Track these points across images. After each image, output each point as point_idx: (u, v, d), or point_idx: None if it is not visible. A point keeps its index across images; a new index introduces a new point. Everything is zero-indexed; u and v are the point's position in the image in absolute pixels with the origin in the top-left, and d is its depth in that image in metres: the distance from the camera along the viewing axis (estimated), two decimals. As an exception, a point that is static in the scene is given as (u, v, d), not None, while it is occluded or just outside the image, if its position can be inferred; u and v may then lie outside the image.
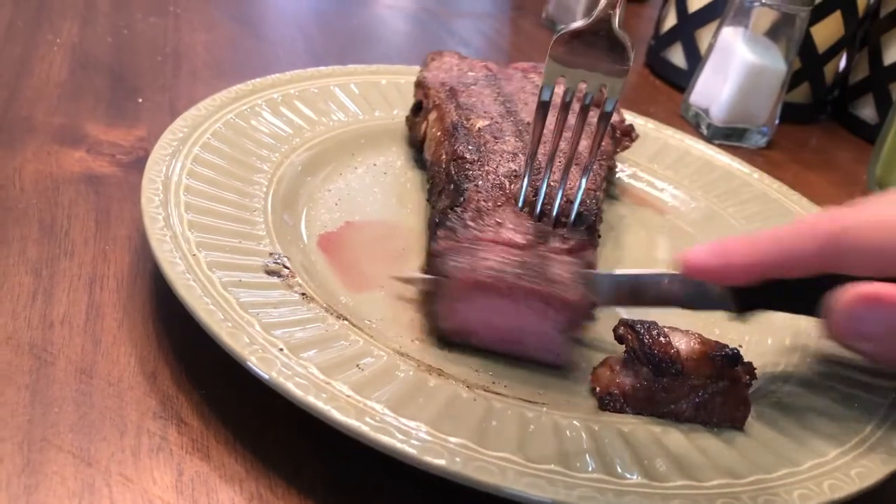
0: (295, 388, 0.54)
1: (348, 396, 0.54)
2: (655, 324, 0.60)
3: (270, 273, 0.72)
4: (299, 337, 0.64)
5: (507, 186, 0.69)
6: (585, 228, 0.64)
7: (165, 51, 1.10)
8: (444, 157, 0.78)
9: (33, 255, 0.69)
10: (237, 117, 0.84)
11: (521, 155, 0.73)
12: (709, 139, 1.14)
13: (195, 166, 0.74)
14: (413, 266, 0.73)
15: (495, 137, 0.77)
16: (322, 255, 0.75)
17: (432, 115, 0.86)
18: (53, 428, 0.54)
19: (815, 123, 1.34)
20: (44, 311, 0.64)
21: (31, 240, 0.71)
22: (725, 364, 0.58)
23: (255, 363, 0.56)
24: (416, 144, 0.90)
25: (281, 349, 0.62)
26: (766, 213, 0.91)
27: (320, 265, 0.73)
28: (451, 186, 0.71)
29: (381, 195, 0.86)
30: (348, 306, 0.69)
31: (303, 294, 0.71)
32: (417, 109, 0.96)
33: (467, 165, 0.73)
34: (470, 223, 0.64)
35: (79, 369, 0.60)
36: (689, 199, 0.94)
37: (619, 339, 0.62)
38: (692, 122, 1.21)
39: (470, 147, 0.75)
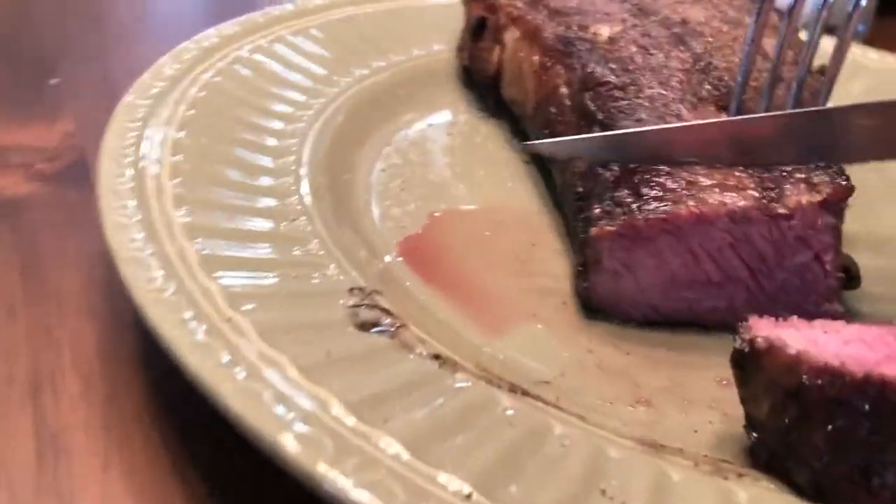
0: None
1: None
2: None
3: (365, 327, 0.40)
4: (488, 462, 0.35)
5: (688, 116, 0.52)
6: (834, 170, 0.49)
7: (79, 9, 0.84)
8: (559, 89, 0.58)
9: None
10: (222, 77, 0.60)
11: (697, 71, 0.56)
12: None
13: (180, 161, 0.50)
14: (559, 264, 0.54)
15: (642, 48, 0.58)
16: (415, 273, 0.51)
17: (510, 35, 0.65)
18: None
19: None
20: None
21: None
22: None
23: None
24: (486, 83, 0.68)
25: (469, 497, 0.31)
26: None
27: (417, 289, 0.50)
28: (595, 130, 0.53)
29: (460, 168, 0.62)
30: (512, 366, 0.45)
31: (436, 357, 0.40)
32: (479, 31, 0.66)
33: (616, 93, 0.54)
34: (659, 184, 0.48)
35: None
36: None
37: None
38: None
39: (610, 67, 0.56)
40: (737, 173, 0.48)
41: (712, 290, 0.49)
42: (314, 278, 0.44)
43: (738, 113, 0.54)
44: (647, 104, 0.52)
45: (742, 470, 0.38)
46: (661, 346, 0.48)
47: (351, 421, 0.34)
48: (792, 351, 0.36)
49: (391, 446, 0.34)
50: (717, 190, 0.47)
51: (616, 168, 0.49)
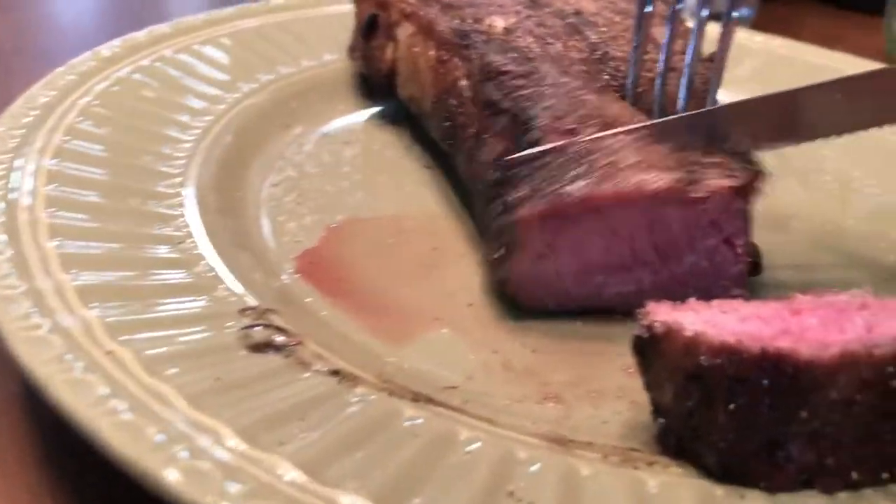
0: None
1: None
2: None
3: (259, 348, 0.38)
4: (390, 477, 0.33)
5: (596, 101, 0.52)
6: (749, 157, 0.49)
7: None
8: (459, 81, 0.57)
9: None
10: (101, 102, 0.57)
11: (595, 61, 0.57)
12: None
13: (54, 190, 0.48)
14: (464, 267, 0.53)
15: (539, 38, 0.57)
16: (314, 288, 0.49)
17: (403, 31, 0.64)
18: None
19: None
20: None
21: None
22: None
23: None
24: (381, 83, 0.66)
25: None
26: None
27: (317, 305, 0.48)
28: (502, 120, 0.52)
29: (359, 176, 0.61)
30: (417, 374, 0.44)
31: (335, 373, 0.38)
32: (370, 30, 0.65)
33: (520, 81, 0.53)
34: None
35: None
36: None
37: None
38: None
39: (510, 56, 0.55)
40: (660, 151, 0.48)
41: (623, 275, 0.49)
42: (202, 302, 0.42)
43: (634, 102, 0.55)
44: (551, 91, 0.52)
45: (652, 458, 0.38)
46: (568, 340, 0.47)
47: (242, 447, 0.33)
48: (689, 333, 0.36)
49: (287, 470, 0.32)
50: (639, 168, 0.47)
51: (535, 151, 0.48)
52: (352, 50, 0.68)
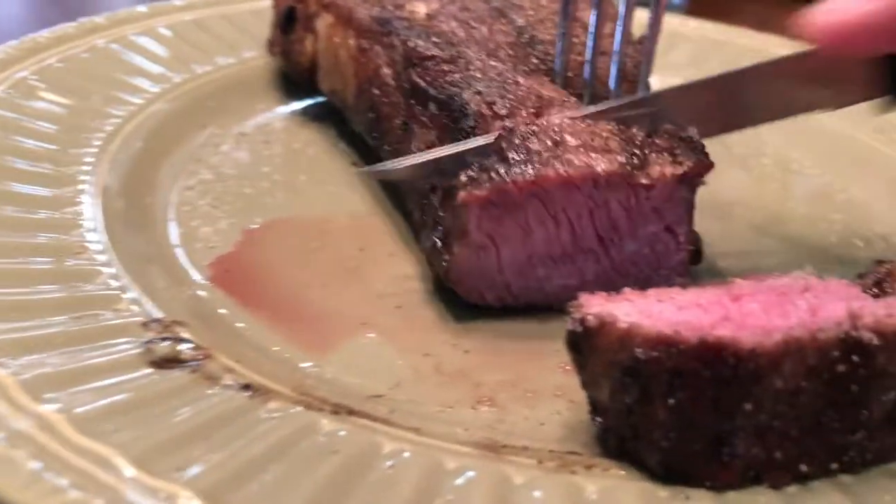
0: None
1: None
2: None
3: (162, 364, 0.35)
4: (305, 500, 0.29)
5: (527, 85, 0.49)
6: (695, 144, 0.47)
7: None
8: (381, 70, 0.54)
9: None
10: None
11: (522, 44, 0.54)
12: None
13: None
14: (394, 267, 0.50)
15: (463, 22, 0.55)
16: (228, 297, 0.46)
17: (322, 22, 0.61)
18: None
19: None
20: None
21: None
22: None
23: None
24: (302, 77, 0.63)
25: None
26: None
27: (232, 314, 0.45)
28: (431, 107, 0.50)
29: (279, 176, 0.58)
30: (340, 384, 0.41)
31: (246, 387, 0.35)
32: (289, 22, 0.62)
33: (445, 67, 0.51)
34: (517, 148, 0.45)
35: None
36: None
37: None
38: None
39: (433, 41, 0.53)
40: (603, 133, 0.46)
41: (565, 266, 0.46)
42: (102, 316, 0.39)
43: (564, 86, 0.52)
44: (480, 75, 0.49)
45: (591, 460, 0.35)
46: (503, 339, 0.45)
47: (131, 473, 0.29)
48: (623, 325, 0.34)
49: (184, 498, 0.29)
50: (583, 151, 0.45)
51: (479, 137, 0.46)
52: (270, 45, 0.65)
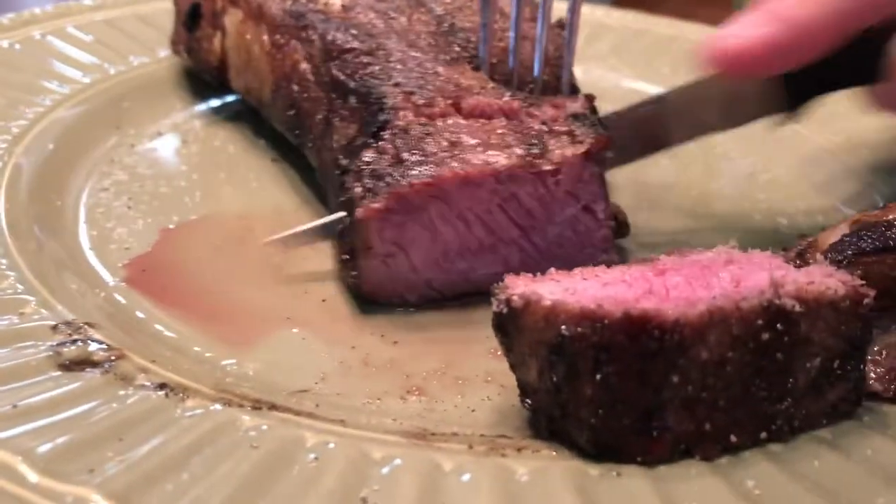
0: None
1: None
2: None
3: (72, 366, 0.33)
4: (224, 497, 0.29)
5: (446, 74, 0.49)
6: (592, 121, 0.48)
7: None
8: (299, 65, 0.53)
9: None
10: None
11: (442, 33, 0.53)
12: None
13: None
14: (318, 261, 0.48)
15: (381, 13, 0.54)
16: (145, 297, 0.45)
17: (231, 18, 0.59)
18: None
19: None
20: None
21: None
22: None
23: None
24: (212, 76, 0.61)
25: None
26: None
27: (149, 314, 0.43)
28: (350, 101, 0.49)
29: (198, 175, 0.56)
30: (264, 380, 0.40)
31: (162, 386, 0.33)
32: (194, 20, 0.61)
33: (365, 59, 0.50)
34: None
35: None
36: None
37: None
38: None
39: (352, 33, 0.52)
40: (499, 130, 0.45)
41: (487, 256, 0.46)
42: (8, 321, 0.37)
43: (490, 73, 0.52)
44: (400, 67, 0.49)
45: (522, 443, 0.34)
46: (432, 328, 0.44)
47: (35, 479, 0.28)
48: (547, 303, 0.33)
49: (93, 502, 0.27)
50: (480, 149, 0.44)
51: (374, 138, 0.45)
52: (174, 44, 0.63)
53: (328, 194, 0.50)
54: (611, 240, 0.47)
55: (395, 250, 0.44)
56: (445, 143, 0.44)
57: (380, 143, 0.44)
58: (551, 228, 0.46)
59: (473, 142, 0.45)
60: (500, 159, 0.44)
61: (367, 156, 0.44)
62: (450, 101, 0.47)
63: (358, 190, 0.43)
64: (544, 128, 0.46)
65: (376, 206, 0.42)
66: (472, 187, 0.44)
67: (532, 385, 0.35)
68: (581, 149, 0.45)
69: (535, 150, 0.44)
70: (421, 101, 0.46)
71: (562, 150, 0.45)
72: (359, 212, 0.42)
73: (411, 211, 0.43)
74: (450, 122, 0.45)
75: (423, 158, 0.43)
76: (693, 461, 0.33)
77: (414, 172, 0.43)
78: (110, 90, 0.60)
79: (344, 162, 0.46)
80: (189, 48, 0.61)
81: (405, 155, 0.43)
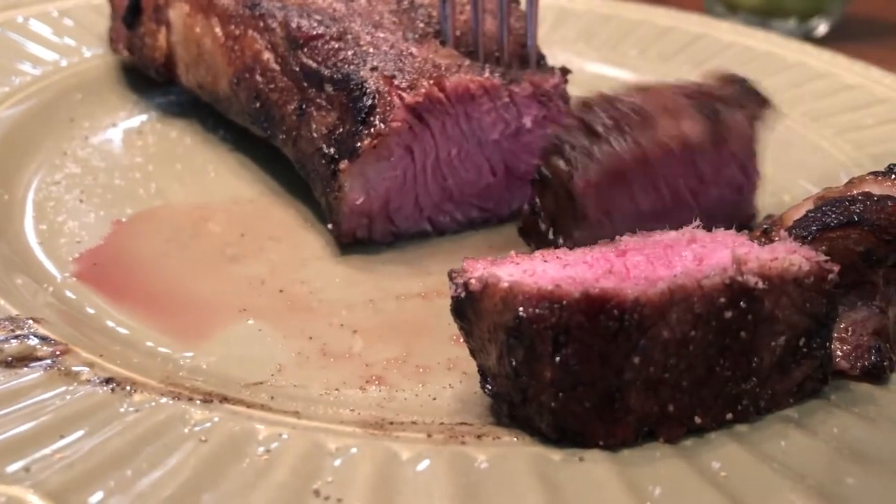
0: None
1: None
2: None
3: (13, 363, 0.32)
4: (169, 492, 0.28)
5: (421, 55, 0.49)
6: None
7: None
8: (262, 55, 0.51)
9: None
10: None
11: (404, 11, 0.53)
12: None
13: None
14: (277, 251, 0.48)
15: None
16: (95, 291, 0.43)
17: (177, 12, 0.57)
18: None
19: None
20: None
21: None
22: None
23: None
24: (157, 72, 0.59)
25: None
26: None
27: (98, 309, 0.42)
28: (327, 88, 0.48)
29: (153, 166, 0.55)
30: (217, 373, 0.38)
31: (108, 381, 0.32)
32: (133, 16, 0.58)
33: (335, 45, 0.49)
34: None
35: None
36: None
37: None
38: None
39: (316, 19, 0.50)
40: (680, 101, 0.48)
41: (666, 218, 0.45)
42: (-54, 318, 0.35)
43: (456, 46, 0.51)
44: (373, 50, 0.48)
45: (482, 430, 0.33)
46: (393, 315, 0.43)
47: (-30, 483, 0.26)
48: (505, 284, 0.32)
49: (28, 502, 0.26)
50: (671, 120, 0.47)
51: (363, 124, 0.46)
52: (113, 41, 0.61)
53: (312, 182, 0.49)
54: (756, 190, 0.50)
55: (604, 220, 0.45)
56: (636, 118, 0.45)
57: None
58: (714, 190, 0.48)
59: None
60: (691, 129, 0.46)
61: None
62: (432, 82, 0.46)
63: (562, 165, 0.44)
64: (711, 94, 0.48)
65: (592, 179, 0.44)
66: (670, 157, 0.46)
67: (492, 370, 0.34)
68: (748, 112, 0.48)
69: (714, 120, 0.47)
70: (404, 84, 0.46)
71: (733, 117, 0.47)
72: (579, 185, 0.43)
73: (618, 180, 0.45)
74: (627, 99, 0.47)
75: (621, 134, 0.45)
76: (657, 444, 0.32)
77: (618, 147, 0.44)
78: (63, 82, 0.59)
79: (329, 151, 0.46)
80: (130, 45, 0.59)
81: (600, 129, 0.45)
